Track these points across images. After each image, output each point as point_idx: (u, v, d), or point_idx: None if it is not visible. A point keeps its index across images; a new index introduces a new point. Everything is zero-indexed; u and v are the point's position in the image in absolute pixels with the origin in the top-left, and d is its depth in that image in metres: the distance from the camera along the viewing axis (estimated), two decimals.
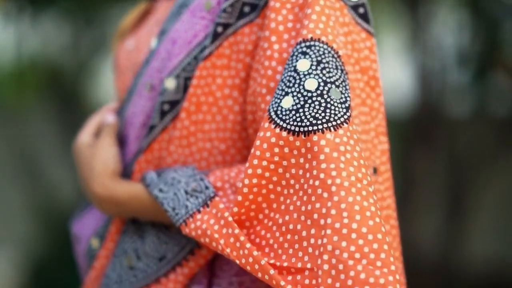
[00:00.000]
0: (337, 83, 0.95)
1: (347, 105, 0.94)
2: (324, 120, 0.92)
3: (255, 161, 0.94)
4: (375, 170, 1.03)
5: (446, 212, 4.36)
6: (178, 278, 1.02)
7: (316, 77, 0.95)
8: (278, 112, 0.94)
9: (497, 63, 4.05)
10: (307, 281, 0.89)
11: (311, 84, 0.94)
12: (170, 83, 1.06)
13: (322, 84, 0.95)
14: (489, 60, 4.08)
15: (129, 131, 1.15)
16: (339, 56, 0.96)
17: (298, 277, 0.90)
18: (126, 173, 1.13)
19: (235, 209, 0.95)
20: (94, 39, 4.89)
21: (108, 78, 4.96)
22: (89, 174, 1.11)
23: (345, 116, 0.93)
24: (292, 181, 0.94)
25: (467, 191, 4.32)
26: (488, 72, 4.14)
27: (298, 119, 0.93)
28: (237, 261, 0.92)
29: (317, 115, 0.93)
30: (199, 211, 0.97)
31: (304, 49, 0.95)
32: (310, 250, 0.90)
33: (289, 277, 0.90)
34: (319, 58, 0.95)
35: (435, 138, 4.22)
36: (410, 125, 4.24)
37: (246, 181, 0.94)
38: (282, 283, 0.89)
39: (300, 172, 0.93)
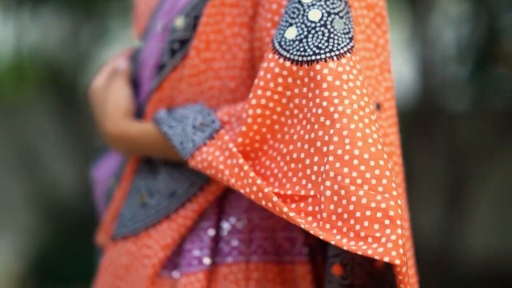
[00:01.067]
0: (340, 14, 0.96)
1: (350, 35, 0.95)
2: (327, 50, 0.93)
3: (259, 92, 0.95)
4: (378, 106, 1.03)
5: (446, 204, 4.36)
6: (187, 214, 1.03)
7: (320, 8, 0.95)
8: (282, 43, 0.95)
9: (498, 56, 4.06)
10: (310, 208, 0.89)
11: (314, 14, 0.95)
12: (180, 22, 1.07)
13: (325, 14, 0.95)
14: (489, 53, 4.08)
15: (143, 72, 1.16)
16: None
17: (302, 204, 0.90)
18: (139, 113, 1.14)
19: (240, 140, 0.95)
20: (94, 32, 4.89)
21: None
22: (102, 114, 1.13)
23: (348, 46, 0.94)
24: (295, 111, 0.94)
25: (466, 183, 4.32)
26: (488, 65, 4.15)
27: (302, 49, 0.94)
28: (242, 191, 0.92)
29: (320, 45, 0.93)
30: (205, 144, 0.98)
31: None
32: (313, 177, 0.90)
33: (293, 205, 0.90)
34: None
35: (435, 131, 4.22)
36: (410, 117, 4.24)
37: (250, 112, 0.95)
38: (285, 209, 0.89)
39: (304, 101, 0.93)
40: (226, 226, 1.03)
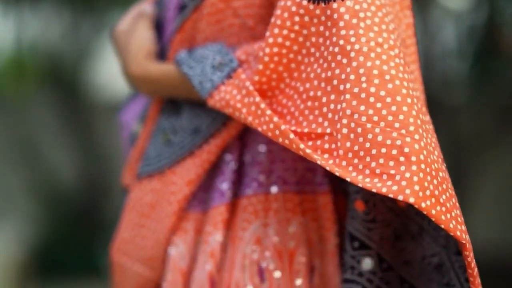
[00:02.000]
0: None
1: None
2: None
3: (276, 30, 0.95)
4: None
5: None
6: (211, 149, 1.03)
7: None
8: None
9: (498, 49, 4.06)
10: (326, 146, 0.90)
11: None
12: None
13: None
14: (490, 47, 4.09)
15: (166, 15, 1.16)
16: None
17: (318, 142, 0.90)
18: (163, 55, 1.15)
19: (256, 78, 0.95)
20: (94, 25, 4.90)
21: (109, 63, 4.96)
22: (126, 56, 1.14)
23: None
24: (312, 50, 0.94)
25: (467, 175, 4.32)
26: (489, 58, 4.15)
27: None
28: (259, 128, 0.93)
29: None
30: (223, 83, 0.98)
31: None
32: (329, 115, 0.90)
33: (309, 143, 0.90)
34: None
35: (436, 123, 4.22)
36: None
37: (267, 50, 0.95)
38: (302, 146, 0.89)
39: (320, 40, 0.93)
40: (247, 158, 1.04)
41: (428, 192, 0.82)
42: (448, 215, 0.84)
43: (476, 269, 0.86)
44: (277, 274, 0.98)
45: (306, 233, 1.01)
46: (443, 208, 0.84)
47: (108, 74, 5.01)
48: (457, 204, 0.87)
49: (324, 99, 0.91)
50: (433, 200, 0.83)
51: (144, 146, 1.14)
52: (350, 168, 0.86)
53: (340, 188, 1.04)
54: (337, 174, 0.86)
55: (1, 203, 4.65)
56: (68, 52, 4.91)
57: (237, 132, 1.04)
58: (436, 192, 0.84)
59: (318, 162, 0.88)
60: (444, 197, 0.84)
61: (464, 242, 0.85)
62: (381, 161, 0.84)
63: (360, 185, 0.84)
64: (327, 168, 0.87)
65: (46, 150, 4.78)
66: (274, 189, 1.02)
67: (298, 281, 0.99)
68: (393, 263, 0.96)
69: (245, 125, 1.04)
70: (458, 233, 0.84)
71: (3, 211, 4.57)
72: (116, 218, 4.45)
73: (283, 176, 1.02)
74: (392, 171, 0.83)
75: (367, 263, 0.96)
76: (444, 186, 0.85)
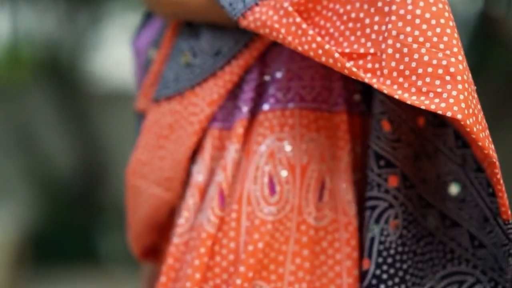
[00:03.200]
0: None
1: None
2: None
3: None
4: None
5: None
6: (233, 70, 1.03)
7: None
8: None
9: (495, 34, 4.08)
10: (369, 65, 0.91)
11: None
12: None
13: None
14: (487, 31, 4.11)
15: None
16: None
17: (360, 62, 0.92)
18: None
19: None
20: (91, 15, 4.90)
21: (105, 53, 4.97)
22: None
23: None
24: None
25: None
26: (485, 42, 4.17)
27: None
28: (299, 48, 0.93)
29: None
30: (257, 4, 0.98)
31: None
32: (373, 36, 0.92)
33: (351, 62, 0.92)
34: None
35: None
36: None
37: None
38: (348, 64, 0.90)
39: None
40: (267, 78, 1.05)
41: (470, 111, 0.86)
42: (484, 134, 0.88)
43: (504, 187, 0.90)
44: (288, 194, 0.99)
45: (319, 150, 1.02)
46: (480, 126, 0.88)
47: (104, 63, 5.01)
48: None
49: (367, 21, 0.93)
50: (473, 118, 0.86)
51: (160, 70, 1.13)
52: (395, 87, 0.88)
53: (356, 110, 1.05)
54: (384, 91, 0.88)
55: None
56: (65, 41, 4.92)
57: (259, 53, 1.04)
58: (476, 111, 0.87)
59: (366, 80, 0.89)
60: (480, 116, 0.88)
61: (494, 160, 0.89)
62: (428, 79, 0.87)
63: (408, 102, 0.87)
64: (374, 86, 0.89)
65: (43, 137, 4.78)
66: (290, 105, 1.02)
67: (309, 195, 1.00)
68: (413, 181, 0.99)
69: (267, 46, 1.04)
70: (491, 152, 0.88)
71: (0, 196, 4.57)
72: (114, 204, 4.47)
73: (300, 93, 1.03)
74: (439, 89, 0.86)
75: (393, 180, 0.97)
76: (479, 107, 0.89)
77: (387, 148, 0.98)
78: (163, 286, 1.02)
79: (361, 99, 1.05)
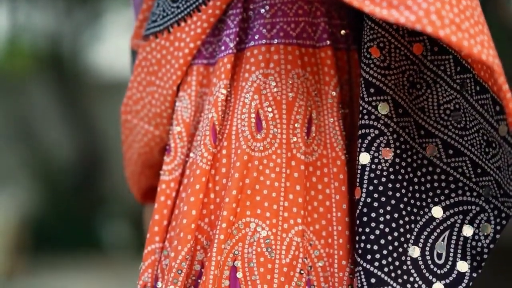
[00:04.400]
0: None
1: None
2: None
3: None
4: None
5: None
6: (216, 4, 1.04)
7: None
8: None
9: (495, 21, 4.07)
10: None
11: None
12: None
13: None
14: (486, 16, 4.09)
15: None
16: None
17: None
18: None
19: None
20: (91, 5, 4.92)
21: (105, 43, 4.99)
22: None
23: None
24: None
25: None
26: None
27: None
28: None
29: None
30: None
31: None
32: None
33: None
34: None
35: None
36: None
37: None
38: None
39: None
40: (251, 14, 1.05)
41: (447, 21, 0.82)
42: (472, 41, 0.83)
43: (509, 93, 0.84)
44: (275, 130, 0.99)
45: (305, 86, 1.01)
46: (466, 34, 0.82)
47: (103, 55, 5.03)
48: (485, 30, 0.87)
49: None
50: (453, 27, 0.82)
51: (151, 6, 1.14)
52: (367, 3, 0.86)
53: (342, 45, 1.04)
54: (354, 5, 0.86)
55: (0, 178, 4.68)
56: (64, 33, 4.94)
57: None
58: (457, 20, 0.83)
59: None
60: (467, 23, 0.84)
61: (491, 65, 0.83)
62: None
63: (377, 16, 0.84)
64: (345, 1, 0.87)
65: (44, 127, 4.80)
66: (275, 41, 1.02)
67: (297, 131, 1.00)
68: (408, 109, 0.97)
69: None
70: (484, 57, 0.83)
71: (1, 186, 4.59)
72: (114, 192, 4.50)
73: (285, 29, 1.03)
74: (409, 2, 0.83)
75: (384, 107, 0.96)
76: (468, 13, 0.85)
77: (376, 75, 0.96)
78: (157, 223, 1.02)
79: (348, 34, 1.05)
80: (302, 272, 0.97)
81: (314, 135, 1.01)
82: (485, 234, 0.95)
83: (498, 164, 0.93)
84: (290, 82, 1.01)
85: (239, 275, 0.96)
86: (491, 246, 0.95)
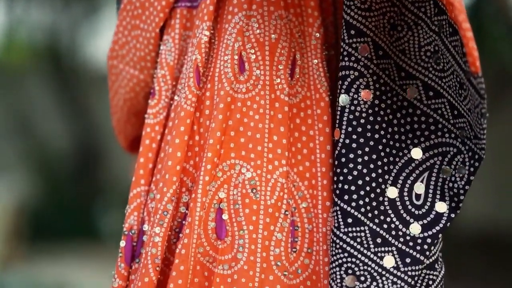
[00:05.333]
0: None
1: None
2: None
3: None
4: None
5: None
6: None
7: None
8: None
9: (496, 16, 4.06)
10: None
11: None
12: None
13: None
14: (488, 11, 4.10)
15: None
16: None
17: None
18: None
19: None
20: (87, 0, 4.93)
21: (102, 36, 4.99)
22: None
23: None
24: None
25: None
26: (485, 25, 4.16)
27: None
28: None
29: None
30: None
31: None
32: None
33: None
34: None
35: None
36: None
37: None
38: None
39: None
40: None
41: None
42: None
43: (470, 32, 0.83)
44: (258, 72, 0.99)
45: (288, 27, 1.01)
46: None
47: (100, 48, 5.03)
48: None
49: None
50: None
51: None
52: None
53: None
54: None
55: None
56: (62, 27, 4.94)
57: None
58: None
59: None
60: None
61: (452, 1, 0.85)
62: None
63: None
64: None
65: (42, 119, 4.80)
66: None
67: (280, 73, 0.99)
68: (389, 51, 0.98)
69: None
70: None
71: None
72: (112, 183, 4.48)
73: None
74: None
75: (364, 49, 0.97)
76: None
77: (357, 17, 0.96)
78: (142, 166, 1.02)
79: None
80: (287, 213, 0.97)
81: (298, 76, 1.00)
82: (461, 175, 0.96)
83: (468, 106, 0.94)
84: (273, 23, 1.00)
85: (225, 216, 0.97)
86: (466, 187, 0.96)
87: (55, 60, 4.93)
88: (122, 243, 1.01)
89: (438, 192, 0.97)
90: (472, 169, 0.95)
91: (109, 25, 4.89)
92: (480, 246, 4.54)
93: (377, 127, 0.96)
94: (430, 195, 0.97)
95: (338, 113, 0.96)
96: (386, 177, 0.97)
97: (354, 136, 0.95)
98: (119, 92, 1.14)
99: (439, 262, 0.98)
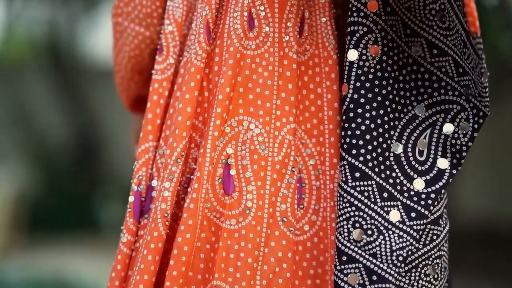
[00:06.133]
0: None
1: None
2: None
3: None
4: None
5: None
6: None
7: None
8: None
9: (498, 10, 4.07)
10: None
11: None
12: None
13: None
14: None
15: None
16: None
17: None
18: None
19: None
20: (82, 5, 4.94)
21: (100, 30, 5.00)
22: None
23: None
24: None
25: None
26: (483, 18, 4.16)
27: None
28: None
29: None
30: None
31: None
32: None
33: None
34: None
35: None
36: None
37: None
38: None
39: None
40: None
41: None
42: None
43: None
44: (267, 29, 0.99)
45: None
46: None
47: (100, 42, 5.04)
48: None
49: None
50: None
51: None
52: None
53: None
54: None
55: None
56: (61, 21, 4.95)
57: None
58: None
59: None
60: None
61: None
62: None
63: None
64: None
65: (41, 112, 4.81)
66: None
67: (289, 30, 0.99)
68: (396, 7, 0.98)
69: None
70: None
71: None
72: (111, 174, 4.49)
73: None
74: None
75: (373, 5, 0.97)
76: None
77: None
78: (150, 122, 1.02)
79: None
80: (293, 169, 0.98)
81: (306, 34, 1.01)
82: (464, 132, 0.97)
83: (472, 65, 0.95)
84: None
85: (233, 172, 0.97)
86: (470, 144, 0.97)
87: (54, 54, 4.94)
88: (131, 198, 1.01)
89: (440, 148, 0.98)
90: (476, 125, 0.96)
91: (108, 19, 4.90)
92: (480, 240, 4.54)
93: (384, 83, 0.97)
94: (432, 152, 0.98)
95: (346, 68, 0.97)
96: (392, 132, 0.97)
97: (362, 91, 0.96)
98: (124, 49, 1.13)
99: (444, 218, 0.99)
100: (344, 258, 0.95)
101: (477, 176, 4.67)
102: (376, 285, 0.94)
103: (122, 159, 4.21)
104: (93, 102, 4.94)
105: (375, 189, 0.96)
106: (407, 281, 0.96)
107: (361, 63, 0.96)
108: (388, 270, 0.94)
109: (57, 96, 4.88)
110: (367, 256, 0.95)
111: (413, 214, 0.96)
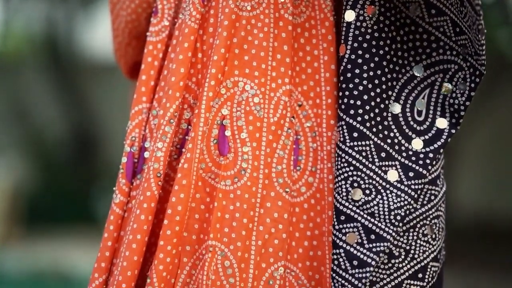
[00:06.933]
0: None
1: None
2: None
3: None
4: None
5: None
6: None
7: None
8: None
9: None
10: None
11: None
12: None
13: None
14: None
15: None
16: None
17: None
18: None
19: None
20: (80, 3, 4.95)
21: (98, 26, 5.00)
22: None
23: None
24: None
25: (453, 140, 4.35)
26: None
27: None
28: None
29: None
30: None
31: None
32: None
33: None
34: None
35: None
36: None
37: None
38: None
39: None
40: None
41: None
42: None
43: None
44: None
45: None
46: None
47: (97, 37, 5.04)
48: None
49: None
50: None
51: None
52: None
53: None
54: None
55: None
56: (59, 16, 4.96)
57: None
58: None
59: None
60: None
61: None
62: None
63: None
64: None
65: (39, 107, 4.82)
66: None
67: None
68: None
69: None
70: None
71: None
72: (108, 169, 4.49)
73: None
74: None
75: None
76: None
77: None
78: (143, 84, 1.02)
79: None
80: (289, 131, 0.97)
81: None
82: (462, 91, 0.96)
83: (469, 23, 0.94)
84: None
85: (228, 133, 0.96)
86: (467, 103, 0.96)
87: (52, 50, 4.95)
88: (124, 159, 1.00)
89: (439, 108, 0.98)
90: (473, 85, 0.96)
91: (105, 14, 4.90)
92: (477, 234, 4.55)
93: (381, 43, 0.96)
94: (431, 112, 0.98)
95: (344, 29, 0.96)
96: (390, 93, 0.97)
97: (360, 52, 0.96)
98: (121, 14, 1.12)
99: (441, 179, 0.98)
100: (343, 217, 0.94)
101: (474, 170, 4.67)
102: (374, 244, 0.93)
103: (120, 153, 4.20)
104: (91, 97, 4.95)
105: (373, 149, 0.95)
106: (405, 241, 0.96)
107: (358, 23, 0.96)
108: (386, 229, 0.94)
109: (55, 92, 4.89)
110: (365, 216, 0.94)
111: (411, 174, 0.95)
